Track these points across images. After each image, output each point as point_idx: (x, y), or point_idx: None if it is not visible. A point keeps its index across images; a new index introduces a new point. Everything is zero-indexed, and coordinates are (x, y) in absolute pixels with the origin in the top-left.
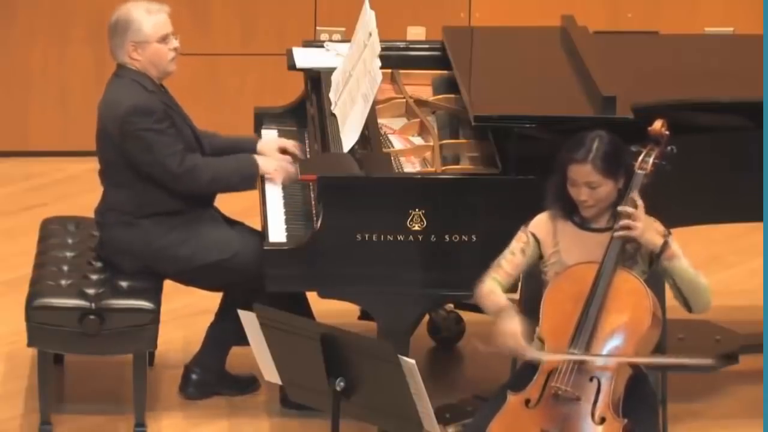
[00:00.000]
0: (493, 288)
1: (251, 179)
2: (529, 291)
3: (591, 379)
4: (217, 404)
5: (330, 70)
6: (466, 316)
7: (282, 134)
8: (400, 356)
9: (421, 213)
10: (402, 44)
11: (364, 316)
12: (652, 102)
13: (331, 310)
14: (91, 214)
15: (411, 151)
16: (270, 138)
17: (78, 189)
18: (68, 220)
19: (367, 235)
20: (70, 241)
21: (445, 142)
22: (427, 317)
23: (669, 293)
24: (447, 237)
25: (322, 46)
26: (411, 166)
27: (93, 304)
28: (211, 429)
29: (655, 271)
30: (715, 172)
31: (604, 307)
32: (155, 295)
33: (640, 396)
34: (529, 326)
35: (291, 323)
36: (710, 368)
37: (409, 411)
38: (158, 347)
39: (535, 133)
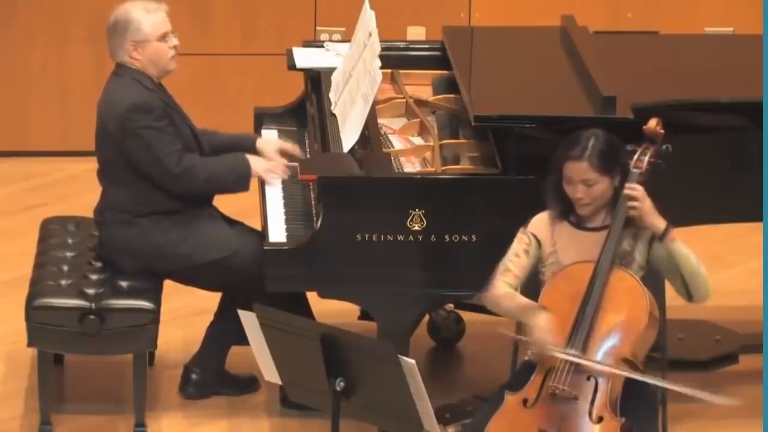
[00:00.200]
0: (510, 291)
1: (245, 179)
2: (529, 291)
3: (588, 379)
4: (217, 404)
5: (330, 70)
6: (466, 316)
7: (282, 134)
8: (400, 356)
9: (421, 213)
10: (402, 44)
11: (364, 316)
12: (652, 102)
13: (331, 310)
14: (91, 214)
15: (411, 151)
16: (271, 138)
17: (78, 189)
18: (68, 220)
19: (367, 235)
20: (70, 241)
21: (445, 142)
22: (427, 317)
23: (668, 293)
24: (447, 237)
25: (322, 46)
26: (411, 166)
27: (93, 304)
28: (211, 429)
29: (655, 258)
30: (715, 172)
31: (601, 306)
32: (155, 295)
33: (639, 395)
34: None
35: (291, 323)
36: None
37: (409, 411)
38: (158, 347)
39: (535, 133)
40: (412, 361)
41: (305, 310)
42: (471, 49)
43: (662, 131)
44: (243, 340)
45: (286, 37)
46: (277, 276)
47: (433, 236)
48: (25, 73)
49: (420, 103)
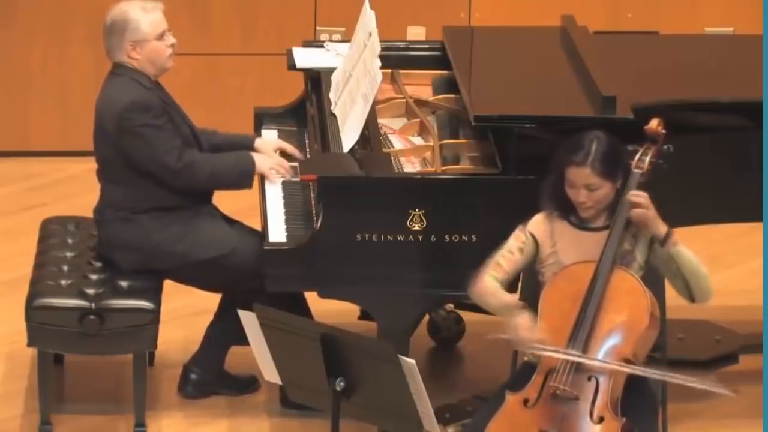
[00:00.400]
0: (496, 286)
1: (248, 176)
2: (529, 291)
3: (589, 379)
4: (217, 404)
5: (330, 70)
6: (466, 316)
7: (282, 134)
8: (400, 356)
9: (421, 213)
10: (402, 44)
11: (364, 316)
12: (652, 102)
13: (331, 310)
14: (91, 214)
15: (411, 151)
16: (269, 138)
17: (78, 189)
18: (68, 220)
19: (367, 235)
20: (70, 241)
21: (445, 142)
22: (427, 317)
23: (669, 293)
24: (447, 237)
25: (322, 46)
26: (411, 166)
27: (93, 304)
28: (211, 429)
29: (656, 261)
30: (715, 172)
31: (602, 306)
32: (155, 295)
33: (640, 395)
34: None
35: (291, 323)
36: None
37: (409, 411)
38: (158, 347)
39: (535, 133)
40: (412, 361)
41: (303, 310)
42: (471, 49)
43: (664, 131)
44: (243, 340)
45: (286, 37)
46: (277, 276)
47: (433, 236)
48: (25, 73)
49: (420, 103)
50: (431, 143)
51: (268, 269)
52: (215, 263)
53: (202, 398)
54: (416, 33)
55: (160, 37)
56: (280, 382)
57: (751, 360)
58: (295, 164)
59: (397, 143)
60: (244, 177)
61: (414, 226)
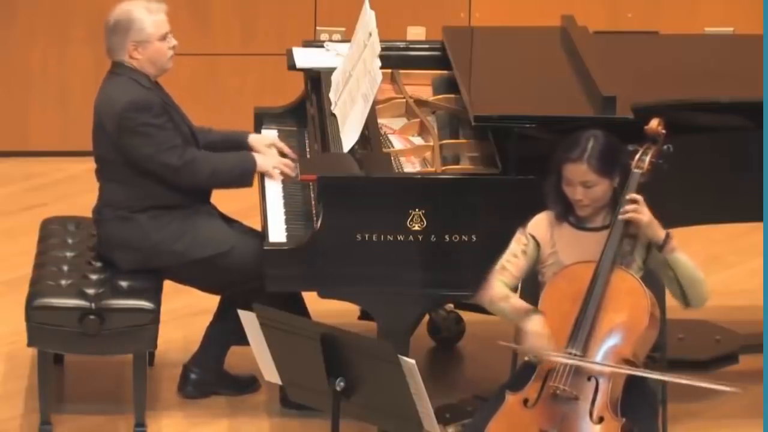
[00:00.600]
0: (506, 292)
1: (249, 175)
2: (529, 292)
3: (589, 379)
4: (217, 404)
5: (330, 70)
6: (466, 316)
7: (282, 134)
8: (400, 356)
9: (421, 213)
10: (402, 44)
11: (364, 316)
12: (652, 102)
13: (331, 310)
14: (91, 214)
15: (411, 151)
16: (262, 135)
17: (78, 189)
18: (68, 220)
19: (367, 235)
20: (70, 241)
21: (445, 142)
22: (427, 317)
23: (669, 293)
24: (447, 237)
25: (322, 46)
26: (411, 166)
27: (93, 304)
28: (211, 429)
29: (653, 264)
30: (715, 172)
31: (602, 306)
32: (155, 295)
33: (640, 395)
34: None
35: (291, 323)
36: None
37: (409, 411)
38: (158, 347)
39: (535, 133)
40: (412, 361)
41: (302, 310)
42: (471, 49)
43: (664, 131)
44: (243, 340)
45: (286, 37)
46: (277, 276)
47: (433, 236)
48: (25, 73)
49: (420, 103)
50: (431, 143)
51: (268, 269)
52: (213, 262)
53: (202, 398)
54: (416, 33)
55: (163, 38)
56: (280, 382)
57: (751, 360)
58: (294, 163)
59: (397, 143)
60: (245, 176)
61: (414, 226)
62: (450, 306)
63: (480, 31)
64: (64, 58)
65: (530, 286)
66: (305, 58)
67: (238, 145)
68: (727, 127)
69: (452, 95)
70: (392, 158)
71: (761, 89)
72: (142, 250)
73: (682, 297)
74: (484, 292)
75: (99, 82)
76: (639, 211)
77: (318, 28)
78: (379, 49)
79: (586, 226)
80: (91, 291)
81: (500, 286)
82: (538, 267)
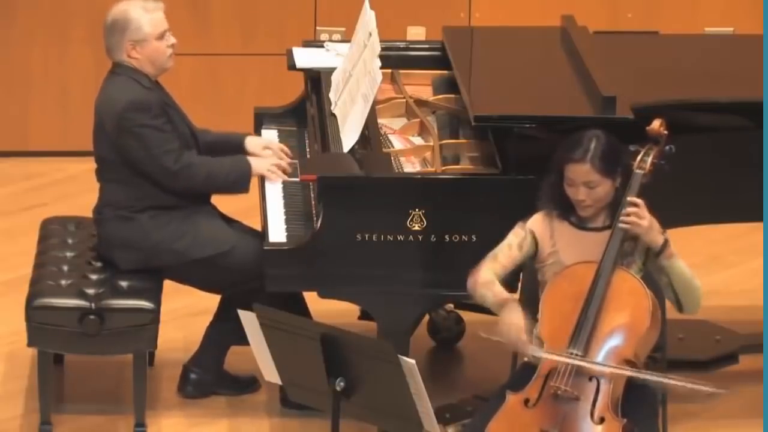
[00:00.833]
0: (492, 279)
1: (245, 179)
2: (529, 291)
3: (590, 379)
4: (217, 404)
5: (330, 70)
6: (466, 316)
7: (282, 134)
8: (400, 356)
9: (421, 213)
10: (402, 44)
11: (364, 316)
12: (652, 102)
13: (331, 310)
14: (91, 214)
15: (411, 151)
16: (258, 137)
17: (78, 189)
18: (68, 220)
19: (367, 235)
20: (70, 241)
21: (445, 142)
22: (427, 317)
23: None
24: (447, 237)
25: (322, 46)
26: (411, 166)
27: (93, 304)
28: (211, 429)
29: (650, 267)
30: (715, 172)
31: (604, 306)
32: (155, 295)
33: (640, 396)
34: (531, 324)
35: (291, 323)
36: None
37: (409, 411)
38: (158, 347)
39: (535, 133)
40: (412, 361)
41: (302, 310)
42: (471, 49)
43: (666, 132)
44: (243, 340)
45: (286, 37)
46: (277, 276)
47: (433, 236)
48: (25, 73)
49: (420, 103)
50: (431, 143)
51: (268, 269)
52: (214, 262)
53: (202, 398)
54: (416, 33)
55: (161, 37)
56: (280, 382)
57: (751, 360)
58: (295, 162)
59: (397, 143)
60: (241, 180)
61: (414, 226)
62: (450, 306)
63: (480, 31)
64: (64, 58)
65: (530, 286)
66: (305, 58)
67: (235, 147)
68: (726, 127)
69: (452, 95)
70: (392, 158)
71: (761, 89)
72: (143, 249)
73: (677, 303)
74: (472, 277)
75: (99, 82)
76: (639, 215)
77: (318, 28)
78: (379, 49)
79: (587, 226)
80: (91, 291)
81: (487, 272)
82: (537, 265)
